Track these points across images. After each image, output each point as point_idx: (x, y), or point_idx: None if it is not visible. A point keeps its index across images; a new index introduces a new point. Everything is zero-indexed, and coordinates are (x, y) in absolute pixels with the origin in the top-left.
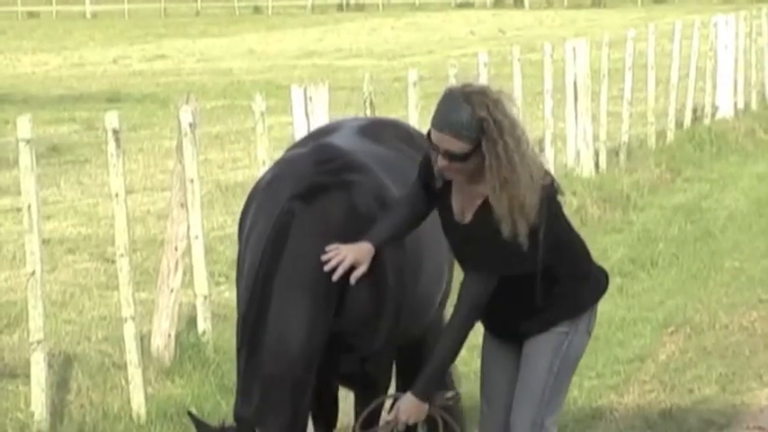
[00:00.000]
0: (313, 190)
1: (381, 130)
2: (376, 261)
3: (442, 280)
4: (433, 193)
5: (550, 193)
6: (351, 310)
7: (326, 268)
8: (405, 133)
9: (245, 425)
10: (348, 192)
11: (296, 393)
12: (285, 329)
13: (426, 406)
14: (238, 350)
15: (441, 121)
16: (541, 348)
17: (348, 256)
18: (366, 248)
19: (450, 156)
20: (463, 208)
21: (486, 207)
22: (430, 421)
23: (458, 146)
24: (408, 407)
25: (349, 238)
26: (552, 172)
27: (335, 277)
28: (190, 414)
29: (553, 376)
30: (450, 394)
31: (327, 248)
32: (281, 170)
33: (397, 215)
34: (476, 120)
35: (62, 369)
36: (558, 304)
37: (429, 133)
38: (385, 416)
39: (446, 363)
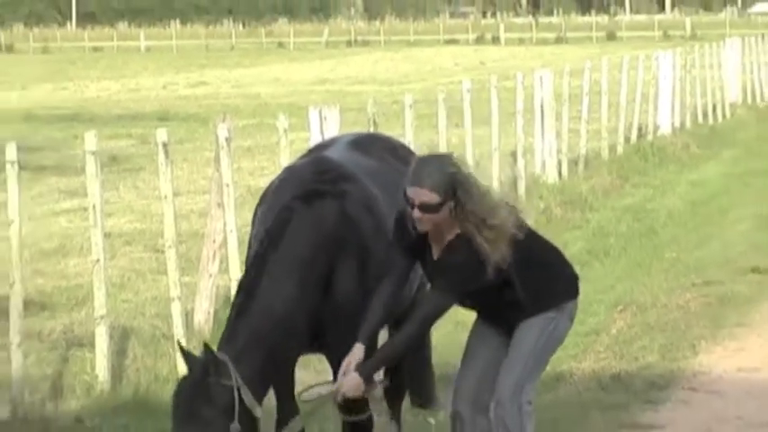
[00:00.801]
0: (311, 195)
1: (369, 144)
2: (357, 265)
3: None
4: (412, 247)
5: (517, 225)
6: (335, 297)
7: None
8: (389, 145)
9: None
10: (341, 199)
11: (272, 353)
12: (271, 302)
13: (364, 387)
14: (231, 308)
15: (416, 178)
16: (531, 327)
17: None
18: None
19: (425, 207)
20: (438, 249)
21: (450, 246)
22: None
23: (431, 197)
24: (351, 383)
25: (337, 238)
26: (522, 179)
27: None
28: (179, 345)
29: (538, 350)
30: (384, 382)
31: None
32: (287, 177)
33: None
34: (446, 175)
35: (121, 340)
36: (543, 301)
37: (404, 192)
38: (328, 386)
39: (395, 356)
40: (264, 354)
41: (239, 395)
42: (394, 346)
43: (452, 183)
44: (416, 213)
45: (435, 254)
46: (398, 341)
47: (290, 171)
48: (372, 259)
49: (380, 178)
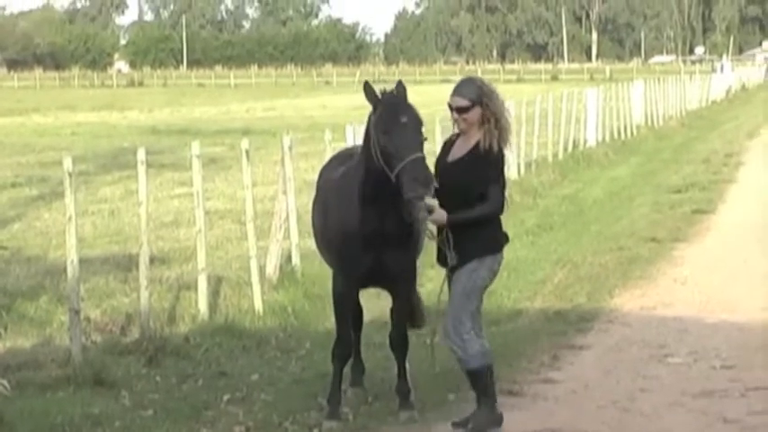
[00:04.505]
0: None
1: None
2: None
3: None
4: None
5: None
6: None
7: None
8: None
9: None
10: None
11: None
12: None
13: (443, 223)
14: None
15: (455, 90)
16: (458, 279)
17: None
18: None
19: (460, 110)
20: (456, 153)
21: (471, 151)
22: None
23: (462, 102)
24: (440, 214)
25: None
26: None
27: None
28: (365, 82)
29: (464, 295)
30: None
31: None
32: (336, 155)
33: None
34: (474, 88)
35: (215, 285)
36: (477, 240)
37: (450, 103)
38: (430, 203)
39: (469, 221)
40: None
41: None
42: (473, 215)
43: (479, 93)
44: (455, 115)
45: (450, 158)
46: (476, 214)
47: (340, 151)
48: None
49: None
